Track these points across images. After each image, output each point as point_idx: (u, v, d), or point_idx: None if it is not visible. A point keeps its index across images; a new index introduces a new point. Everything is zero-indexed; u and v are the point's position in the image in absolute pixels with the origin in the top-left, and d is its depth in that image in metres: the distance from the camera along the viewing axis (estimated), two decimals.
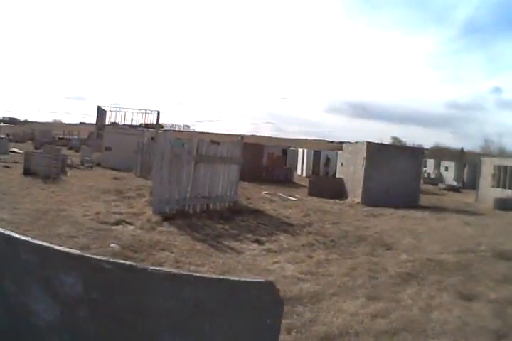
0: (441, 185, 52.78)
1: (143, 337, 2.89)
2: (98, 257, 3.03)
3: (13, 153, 39.94)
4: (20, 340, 3.30)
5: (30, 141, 77.15)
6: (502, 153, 74.58)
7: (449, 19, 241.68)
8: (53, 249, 3.09)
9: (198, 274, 3.01)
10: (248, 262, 10.50)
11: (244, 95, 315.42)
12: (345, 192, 29.89)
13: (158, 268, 2.97)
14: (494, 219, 23.74)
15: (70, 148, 60.58)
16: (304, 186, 34.02)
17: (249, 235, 13.61)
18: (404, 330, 6.98)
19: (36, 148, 46.70)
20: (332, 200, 26.58)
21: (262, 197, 24.86)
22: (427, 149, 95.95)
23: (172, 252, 10.79)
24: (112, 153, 37.41)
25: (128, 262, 2.91)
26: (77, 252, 3.13)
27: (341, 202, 26.94)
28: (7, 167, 28.75)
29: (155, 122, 46.61)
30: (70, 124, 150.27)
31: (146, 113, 46.48)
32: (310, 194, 29.06)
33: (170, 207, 15.66)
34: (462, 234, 16.86)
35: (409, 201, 26.88)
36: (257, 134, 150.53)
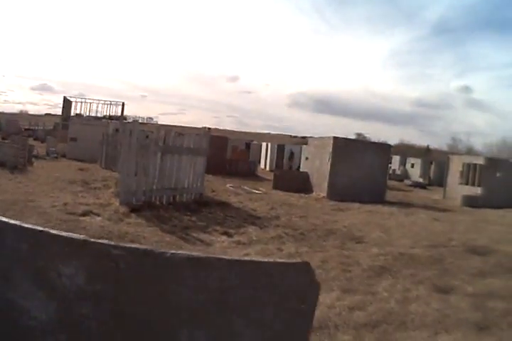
0: (407, 182, 53.28)
1: (158, 334, 2.49)
2: (105, 241, 2.63)
3: None
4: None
5: None
6: (470, 152, 75.66)
7: (419, 18, 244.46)
8: (49, 234, 2.65)
9: (224, 257, 2.63)
10: (217, 253, 10.29)
11: (207, 88, 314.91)
12: (310, 186, 29.90)
13: (178, 251, 2.50)
14: (463, 215, 23.88)
15: (36, 139, 60.25)
16: (268, 180, 34.07)
17: (218, 227, 13.48)
18: (384, 322, 6.87)
19: (3, 139, 46.14)
20: (297, 194, 26.61)
21: (226, 189, 24.82)
22: (392, 146, 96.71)
23: (141, 244, 10.53)
24: (77, 144, 37.52)
25: (142, 246, 2.58)
26: (80, 237, 2.66)
27: (306, 195, 26.95)
28: None
29: (119, 114, 46.45)
30: (35, 115, 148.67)
31: (111, 104, 46.35)
32: (274, 187, 29.03)
33: (137, 199, 15.51)
34: (432, 230, 16.89)
35: (375, 196, 27.00)
36: (220, 127, 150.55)
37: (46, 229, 2.71)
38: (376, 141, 45.21)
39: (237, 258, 2.74)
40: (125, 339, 2.53)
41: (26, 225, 2.73)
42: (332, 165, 27.74)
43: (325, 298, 7.72)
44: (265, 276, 2.47)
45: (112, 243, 2.55)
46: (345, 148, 28.11)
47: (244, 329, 2.45)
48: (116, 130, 35.76)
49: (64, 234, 2.64)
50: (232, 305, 2.44)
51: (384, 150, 30.84)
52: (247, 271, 2.49)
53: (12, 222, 2.79)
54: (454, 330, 6.82)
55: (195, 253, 2.44)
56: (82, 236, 2.65)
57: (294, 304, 2.51)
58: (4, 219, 2.84)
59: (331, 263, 10.36)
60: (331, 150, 27.94)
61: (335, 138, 28.50)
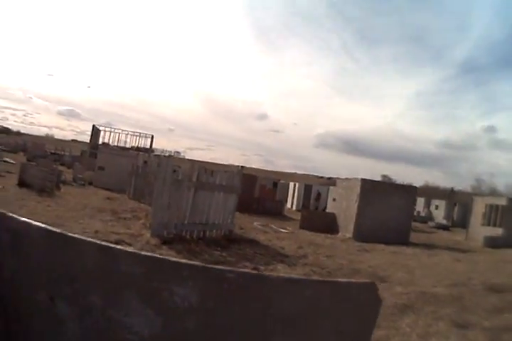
0: (430, 223, 53.49)
1: (255, 335, 3.02)
2: (218, 267, 3.14)
3: (4, 163, 40.79)
4: None
5: (21, 153, 77.76)
6: (493, 193, 75.58)
7: (445, 58, 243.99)
8: (166, 260, 3.15)
9: (311, 278, 3.38)
10: None
11: (235, 126, 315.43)
12: (336, 227, 30.49)
13: (280, 274, 3.32)
14: (484, 256, 24.34)
15: (62, 164, 60.28)
16: (294, 219, 34.47)
17: (247, 263, 13.97)
18: None
19: (28, 160, 46.97)
20: (323, 234, 27.10)
21: (254, 227, 25.43)
22: (417, 188, 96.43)
23: None
24: (105, 173, 38.39)
25: (251, 271, 3.20)
26: (196, 263, 3.19)
27: (333, 236, 27.50)
28: (0, 176, 29.50)
29: (147, 146, 47.23)
30: (61, 140, 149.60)
31: (139, 136, 47.21)
32: (301, 227, 29.63)
33: (168, 231, 16.17)
34: (453, 270, 17.46)
35: (400, 238, 27.48)
36: (248, 165, 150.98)
37: (163, 257, 3.26)
38: (402, 183, 45.46)
39: (322, 278, 3.42)
40: None
41: (143, 253, 3.27)
42: (359, 207, 28.41)
43: None
44: (345, 292, 3.12)
45: (227, 268, 3.08)
46: (372, 190, 28.79)
47: (326, 334, 3.08)
48: (145, 162, 36.56)
49: (181, 260, 3.20)
50: (319, 316, 3.04)
51: (409, 192, 31.37)
52: (331, 288, 3.13)
53: (128, 249, 3.37)
54: None
55: (293, 276, 3.21)
56: (197, 263, 3.21)
57: (364, 315, 3.13)
58: (118, 246, 3.41)
59: None
60: (358, 192, 28.62)
61: (363, 180, 29.22)
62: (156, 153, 48.57)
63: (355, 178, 30.40)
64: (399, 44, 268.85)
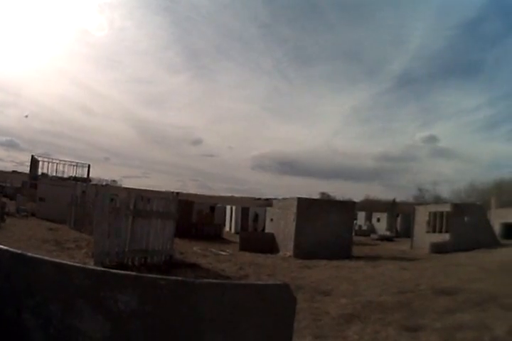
0: (373, 236, 54.25)
1: (191, 338, 3.50)
2: (152, 275, 3.74)
3: None
4: None
5: None
6: (438, 201, 76.94)
7: (381, 73, 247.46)
8: (109, 273, 3.72)
9: (231, 281, 3.79)
10: None
11: (170, 152, 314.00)
12: (276, 247, 30.83)
13: (204, 280, 3.78)
14: (431, 262, 24.83)
15: (5, 196, 59.77)
16: (233, 242, 34.73)
17: None
18: None
19: None
20: (264, 254, 27.31)
21: (194, 252, 25.57)
22: (357, 202, 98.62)
23: None
24: (46, 204, 38.78)
25: (179, 277, 3.61)
26: (133, 273, 3.80)
27: (273, 255, 27.78)
28: None
29: (85, 175, 47.33)
30: (2, 171, 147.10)
31: (77, 166, 47.31)
32: (241, 249, 29.88)
33: (110, 259, 16.52)
34: (400, 278, 17.66)
35: (342, 253, 27.77)
36: (184, 191, 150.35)
37: (107, 269, 3.82)
38: (340, 199, 46.09)
39: (241, 282, 3.86)
40: None
41: (90, 267, 3.95)
42: (297, 225, 28.77)
43: None
44: (262, 293, 3.61)
45: (159, 276, 3.67)
46: (309, 208, 29.25)
47: (251, 332, 3.52)
48: (83, 192, 36.50)
49: (122, 272, 3.78)
50: (241, 316, 3.49)
51: (348, 207, 31.88)
52: (250, 289, 3.67)
53: (77, 265, 3.94)
54: None
55: (214, 280, 3.58)
56: (134, 273, 3.79)
57: (281, 312, 3.63)
58: (70, 263, 3.95)
59: (301, 314, 10.91)
60: (295, 210, 29.01)
61: (299, 198, 29.70)
62: (93, 183, 48.51)
63: (291, 197, 30.78)
64: (333, 61, 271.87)
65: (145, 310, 3.43)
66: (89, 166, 48.07)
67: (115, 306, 3.43)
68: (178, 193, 21.41)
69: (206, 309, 3.43)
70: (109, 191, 17.27)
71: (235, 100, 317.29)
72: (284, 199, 32.83)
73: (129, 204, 17.40)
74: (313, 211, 29.15)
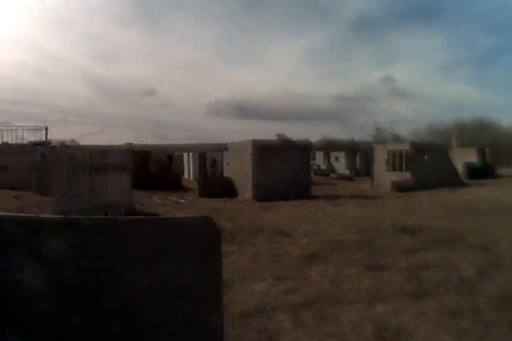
0: (332, 175, 54.53)
1: (119, 279, 3.35)
2: (78, 216, 3.54)
3: None
4: (7, 312, 3.54)
5: None
6: (396, 140, 77.58)
7: (336, 15, 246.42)
8: (37, 218, 3.55)
9: (153, 217, 3.64)
10: None
11: (125, 104, 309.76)
12: (235, 190, 30.73)
13: (128, 216, 3.56)
14: (393, 200, 25.11)
15: None
16: (193, 189, 34.54)
17: None
18: (319, 301, 7.59)
19: None
20: (223, 199, 27.40)
21: (154, 202, 25.41)
22: (314, 142, 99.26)
23: None
24: (8, 173, 37.83)
25: (104, 216, 3.48)
26: (60, 216, 3.59)
27: (232, 199, 27.82)
28: None
29: (44, 139, 46.70)
30: None
31: (35, 130, 46.50)
32: (200, 195, 29.72)
33: None
34: (361, 217, 17.88)
35: (301, 193, 27.86)
36: (142, 143, 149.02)
37: (34, 215, 3.66)
38: (296, 139, 45.91)
39: (163, 216, 3.74)
40: (97, 286, 3.36)
41: (20, 214, 3.60)
42: (254, 168, 28.64)
43: (260, 287, 8.52)
44: (184, 226, 3.44)
45: (84, 217, 3.47)
46: (264, 150, 29.02)
47: (178, 269, 3.40)
48: (43, 155, 36.01)
49: (47, 215, 3.56)
50: (166, 252, 3.36)
51: (304, 147, 31.71)
52: (171, 224, 3.50)
53: (8, 213, 3.70)
54: (390, 300, 7.58)
55: (137, 216, 3.43)
56: (60, 216, 3.58)
57: (206, 245, 3.44)
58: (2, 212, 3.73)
59: (261, 256, 11.06)
60: (251, 153, 28.79)
61: (253, 141, 29.41)
62: (52, 145, 47.73)
63: (246, 140, 30.46)
64: (286, 4, 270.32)
65: (75, 252, 3.35)
66: (46, 129, 47.20)
67: (48, 252, 3.35)
68: (131, 143, 21.16)
69: (132, 246, 3.36)
70: (65, 150, 17.08)
71: (187, 48, 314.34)
72: (239, 142, 32.55)
73: (85, 161, 17.43)
74: (269, 153, 29.03)
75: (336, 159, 65.92)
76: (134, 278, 3.32)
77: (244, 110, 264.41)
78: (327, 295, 7.90)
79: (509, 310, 6.86)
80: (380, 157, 39.10)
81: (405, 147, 37.23)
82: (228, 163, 34.05)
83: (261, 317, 6.96)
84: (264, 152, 28.88)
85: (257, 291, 8.22)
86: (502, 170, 50.93)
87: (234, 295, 8.01)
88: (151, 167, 42.26)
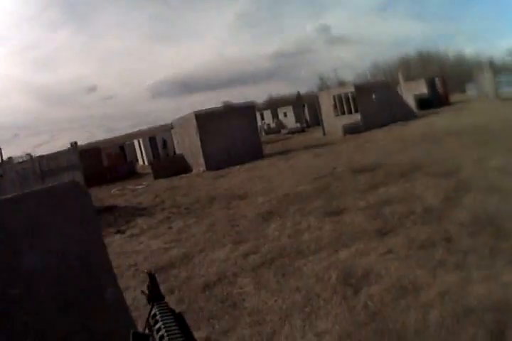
0: (283, 131, 54.27)
1: (7, 255, 3.08)
2: None
3: None
4: None
5: None
6: (343, 85, 77.78)
7: None
8: None
9: (26, 192, 3.34)
10: (116, 251, 10.57)
11: (69, 106, 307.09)
12: (188, 166, 30.50)
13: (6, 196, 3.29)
14: (346, 143, 25.09)
15: None
16: (149, 173, 34.42)
17: (110, 229, 13.83)
18: (280, 258, 7.37)
19: None
20: (178, 177, 27.34)
21: (112, 195, 25.04)
22: (261, 103, 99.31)
23: None
24: None
25: None
26: None
27: (188, 175, 27.66)
28: None
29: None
30: None
31: None
32: (156, 177, 29.48)
33: None
34: (314, 165, 17.79)
35: (253, 154, 27.68)
36: (93, 140, 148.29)
37: None
38: (238, 103, 45.54)
39: (33, 189, 3.42)
40: None
41: None
42: (201, 140, 28.33)
43: (219, 255, 8.30)
44: (54, 194, 3.33)
45: None
46: (208, 120, 28.78)
47: (54, 233, 3.20)
48: (1, 176, 35.61)
49: None
50: (46, 223, 3.19)
51: (247, 109, 31.47)
52: (42, 194, 3.34)
53: None
54: (355, 243, 7.32)
55: (12, 195, 3.10)
56: None
57: (80, 207, 3.34)
58: None
59: (218, 224, 10.90)
60: (195, 124, 28.41)
61: (195, 112, 29.21)
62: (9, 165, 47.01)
63: (188, 114, 30.21)
64: None
65: None
66: (0, 149, 46.68)
67: None
68: (76, 142, 20.79)
69: (14, 223, 3.12)
70: (13, 164, 16.90)
71: (119, 38, 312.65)
72: (182, 117, 32.30)
73: (35, 168, 17.38)
74: (214, 121, 28.76)
75: (285, 115, 65.67)
76: (22, 260, 3.06)
77: (187, 85, 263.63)
78: (287, 250, 7.68)
79: (485, 234, 6.52)
80: (327, 104, 38.76)
81: (350, 90, 36.93)
82: (178, 141, 33.54)
83: (223, 285, 6.77)
84: (208, 121, 28.58)
85: (217, 259, 8.02)
86: (456, 97, 50.73)
87: (194, 269, 7.84)
88: (103, 162, 41.98)
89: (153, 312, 1.67)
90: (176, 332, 1.45)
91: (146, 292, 1.78)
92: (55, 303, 3.02)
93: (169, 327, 1.49)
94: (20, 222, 3.06)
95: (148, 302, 1.74)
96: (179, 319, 1.60)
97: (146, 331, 1.63)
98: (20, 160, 20.44)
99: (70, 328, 3.03)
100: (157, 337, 1.48)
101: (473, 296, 4.77)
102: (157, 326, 1.54)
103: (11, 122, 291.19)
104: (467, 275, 5.31)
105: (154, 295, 1.76)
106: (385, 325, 4.65)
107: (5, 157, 19.60)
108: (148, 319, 1.66)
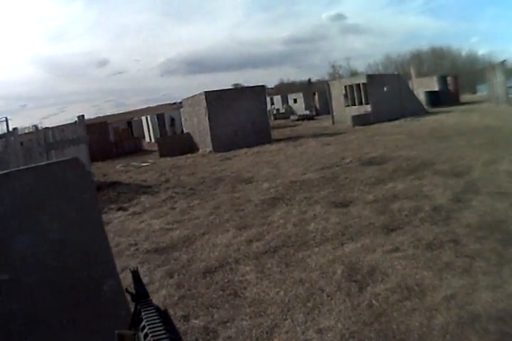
0: (293, 117, 53.97)
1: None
2: None
3: None
4: None
5: None
6: (354, 75, 77.32)
7: None
8: None
9: (20, 168, 3.14)
10: (117, 228, 10.48)
11: (79, 80, 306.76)
12: (195, 145, 30.32)
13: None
14: (356, 134, 24.80)
15: None
16: (155, 151, 34.27)
17: (112, 205, 13.64)
18: (284, 246, 7.16)
19: None
20: (184, 156, 27.08)
21: (117, 170, 24.86)
22: (271, 87, 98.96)
23: None
24: None
25: None
26: None
27: (194, 155, 27.36)
28: None
29: (5, 130, 46.13)
30: None
31: None
32: (162, 155, 29.29)
33: None
34: (323, 154, 17.55)
35: (261, 138, 27.44)
36: (101, 114, 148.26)
37: None
38: (248, 86, 45.23)
39: (30, 166, 3.20)
40: None
41: None
42: (210, 119, 28.05)
43: (222, 239, 8.09)
44: (52, 171, 3.10)
45: None
46: (218, 100, 28.49)
47: (54, 210, 3.01)
48: (6, 147, 35.54)
49: None
50: (39, 204, 2.97)
51: (258, 92, 31.12)
52: (39, 171, 3.13)
53: None
54: (361, 238, 7.12)
55: (6, 170, 2.93)
56: None
57: (76, 185, 3.12)
58: None
59: (222, 207, 10.68)
60: (205, 104, 28.20)
61: (205, 92, 28.82)
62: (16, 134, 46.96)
63: (199, 93, 29.96)
64: None
65: None
66: (6, 120, 46.45)
67: None
68: (83, 116, 20.60)
69: (11, 201, 2.90)
70: (17, 133, 16.74)
71: (132, 13, 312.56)
72: (192, 96, 32.05)
73: (40, 140, 17.07)
74: (223, 102, 28.53)
75: (295, 101, 65.41)
76: (12, 243, 2.84)
77: (198, 65, 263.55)
78: (292, 239, 7.48)
79: (493, 239, 6.31)
80: (338, 93, 38.52)
81: (362, 81, 36.67)
82: (186, 119, 33.33)
83: (224, 272, 6.57)
84: (218, 102, 28.32)
85: (219, 244, 7.81)
86: (466, 97, 50.47)
87: (196, 252, 7.67)
88: (110, 137, 41.81)
89: (137, 309, 1.60)
90: (161, 329, 1.40)
91: (130, 290, 1.68)
92: (47, 292, 2.85)
93: (153, 325, 1.43)
94: (13, 200, 2.89)
95: (133, 300, 1.66)
96: (164, 316, 1.55)
97: (132, 329, 1.54)
98: (26, 131, 20.23)
99: (61, 320, 2.86)
100: (142, 335, 1.42)
101: (479, 303, 4.56)
102: (141, 324, 1.48)
103: (19, 93, 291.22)
104: (474, 281, 5.10)
105: (139, 293, 1.67)
106: (389, 327, 4.44)
107: (11, 128, 19.46)
108: (133, 317, 1.60)
